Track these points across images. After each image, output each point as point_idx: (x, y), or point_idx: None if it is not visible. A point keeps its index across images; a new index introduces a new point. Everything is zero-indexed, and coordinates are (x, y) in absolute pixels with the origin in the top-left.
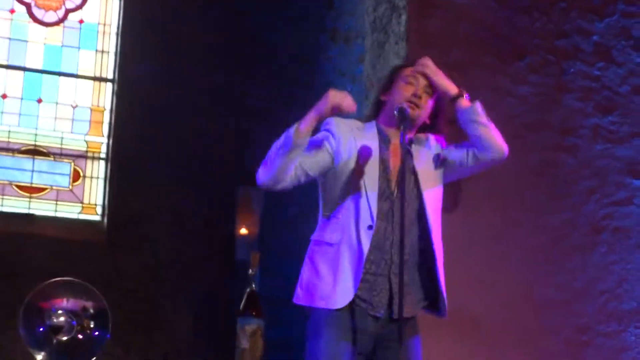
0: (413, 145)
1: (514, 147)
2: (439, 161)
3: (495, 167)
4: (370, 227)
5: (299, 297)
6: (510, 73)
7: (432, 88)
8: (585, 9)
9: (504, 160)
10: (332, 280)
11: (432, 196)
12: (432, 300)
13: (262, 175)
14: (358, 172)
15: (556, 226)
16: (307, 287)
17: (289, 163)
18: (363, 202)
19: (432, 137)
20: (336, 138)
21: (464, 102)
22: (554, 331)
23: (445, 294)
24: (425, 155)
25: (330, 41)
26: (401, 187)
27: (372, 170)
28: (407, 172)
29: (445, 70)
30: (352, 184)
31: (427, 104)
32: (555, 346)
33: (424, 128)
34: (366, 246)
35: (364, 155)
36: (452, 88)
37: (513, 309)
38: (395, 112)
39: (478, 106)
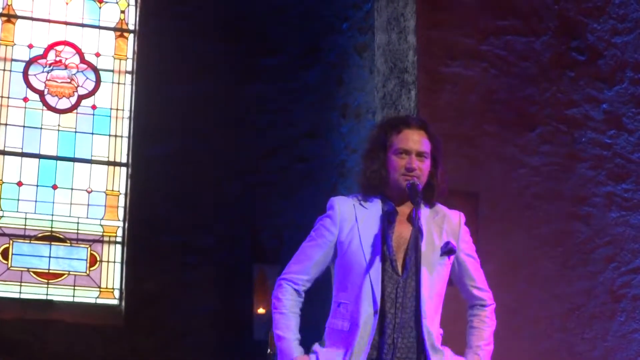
0: (427, 220)
1: (525, 218)
2: (447, 250)
3: (507, 239)
4: (375, 313)
5: None
6: (521, 144)
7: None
8: (594, 77)
9: None
10: None
11: (432, 277)
12: None
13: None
14: (361, 256)
15: (572, 296)
16: None
17: None
18: (367, 287)
19: (454, 222)
20: (337, 224)
21: None
22: None
23: None
24: (437, 235)
25: (341, 117)
26: (406, 267)
27: (374, 253)
28: (412, 251)
29: (456, 142)
30: (356, 269)
31: (424, 168)
32: None
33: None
34: (372, 332)
35: (366, 240)
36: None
37: None
38: (407, 189)
39: None
